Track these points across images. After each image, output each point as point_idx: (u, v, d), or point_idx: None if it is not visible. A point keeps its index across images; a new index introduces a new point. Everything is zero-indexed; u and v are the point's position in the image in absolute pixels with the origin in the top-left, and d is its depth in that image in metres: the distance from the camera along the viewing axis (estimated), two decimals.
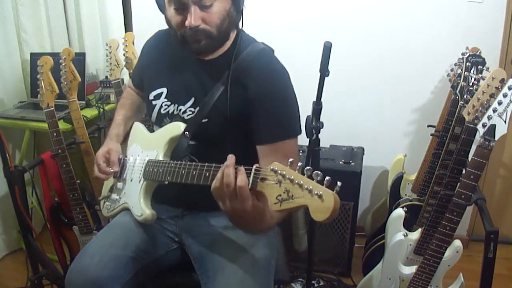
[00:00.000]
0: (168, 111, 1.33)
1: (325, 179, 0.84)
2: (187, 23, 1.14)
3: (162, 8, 1.24)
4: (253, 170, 0.95)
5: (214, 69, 1.26)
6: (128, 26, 2.28)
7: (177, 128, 1.26)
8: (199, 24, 1.15)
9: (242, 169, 0.97)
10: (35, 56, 2.24)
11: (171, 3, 1.16)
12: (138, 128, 1.43)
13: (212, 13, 1.15)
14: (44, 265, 1.83)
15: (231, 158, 0.99)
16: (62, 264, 1.95)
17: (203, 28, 1.16)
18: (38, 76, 1.75)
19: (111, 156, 1.36)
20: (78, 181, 1.83)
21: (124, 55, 2.18)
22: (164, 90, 1.33)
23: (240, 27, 1.29)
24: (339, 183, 0.84)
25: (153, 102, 1.35)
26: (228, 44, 1.27)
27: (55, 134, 1.75)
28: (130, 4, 2.24)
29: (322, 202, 0.82)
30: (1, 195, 2.28)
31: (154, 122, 1.37)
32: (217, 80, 1.25)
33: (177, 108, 1.31)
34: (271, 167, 0.91)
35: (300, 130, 1.29)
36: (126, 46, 2.15)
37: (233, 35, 1.28)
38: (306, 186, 0.85)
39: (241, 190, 0.95)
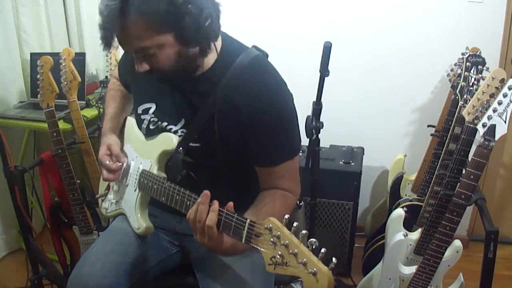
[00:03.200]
0: (158, 127, 1.25)
1: (321, 251, 0.82)
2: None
3: None
4: (247, 225, 0.92)
5: (202, 86, 1.15)
6: None
7: (170, 142, 1.19)
8: (146, 69, 1.07)
9: (215, 207, 0.98)
10: (35, 56, 2.23)
11: None
12: (131, 126, 1.36)
13: (156, 59, 1.05)
14: (44, 265, 1.82)
15: (205, 196, 0.99)
16: (62, 264, 1.95)
17: (154, 70, 1.07)
18: (38, 76, 1.75)
19: (112, 151, 1.29)
20: (78, 181, 1.82)
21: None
22: (152, 106, 1.25)
23: (217, 38, 1.13)
24: (334, 260, 0.81)
25: (142, 116, 1.28)
26: (215, 55, 1.14)
27: (55, 134, 1.75)
28: None
29: (316, 281, 0.80)
30: (1, 195, 2.28)
31: (144, 134, 1.30)
32: (207, 98, 1.13)
33: (167, 126, 1.22)
34: (265, 225, 0.88)
35: (299, 148, 1.22)
36: None
37: (218, 44, 1.14)
38: (300, 259, 0.82)
39: (208, 229, 0.97)
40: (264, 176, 1.20)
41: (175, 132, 1.21)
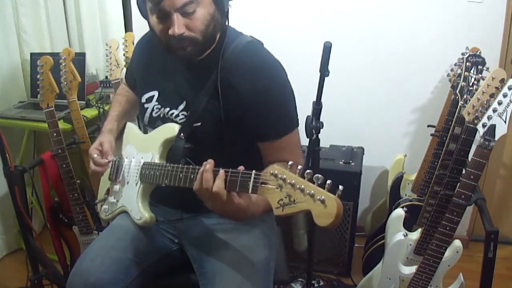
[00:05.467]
0: (160, 114, 1.30)
1: (327, 182, 0.84)
2: (170, 31, 1.10)
3: (145, 16, 1.19)
4: (252, 175, 0.95)
5: (202, 70, 1.23)
6: (128, 26, 2.28)
7: (171, 129, 1.24)
8: (183, 32, 1.11)
9: (220, 174, 1.00)
10: (35, 56, 2.24)
11: (153, 12, 1.12)
12: (131, 129, 1.41)
13: (195, 19, 1.11)
14: (44, 265, 1.82)
15: (209, 164, 1.02)
16: (62, 264, 1.95)
17: (188, 35, 1.12)
18: (38, 76, 1.75)
19: (103, 147, 1.34)
20: (78, 181, 1.82)
21: (124, 55, 2.18)
22: (155, 93, 1.31)
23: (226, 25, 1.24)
24: (340, 187, 0.83)
25: (145, 105, 1.33)
26: (216, 40, 1.23)
27: (55, 134, 1.75)
28: (130, 4, 2.24)
29: (325, 207, 0.82)
30: (1, 195, 2.28)
31: (146, 125, 1.35)
32: (206, 81, 1.21)
33: (169, 111, 1.28)
34: (271, 171, 0.91)
35: (298, 121, 1.27)
36: (126, 46, 2.15)
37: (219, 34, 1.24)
38: (307, 191, 0.84)
39: (217, 195, 0.99)
40: (269, 152, 1.24)
41: (176, 116, 1.26)
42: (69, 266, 1.96)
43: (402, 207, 1.88)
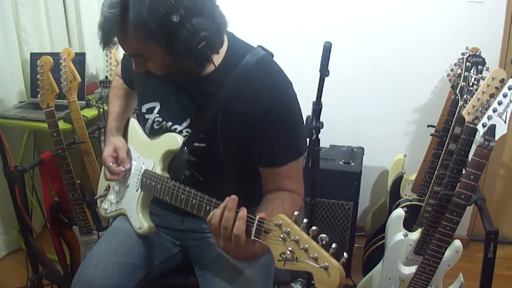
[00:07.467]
0: (162, 127, 1.24)
1: (331, 246, 0.81)
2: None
3: None
4: (256, 221, 0.92)
5: (209, 86, 1.14)
6: None
7: (174, 142, 1.18)
8: (144, 70, 1.10)
9: (243, 215, 0.94)
10: (35, 56, 2.23)
11: None
12: (134, 127, 1.37)
13: (152, 65, 1.09)
14: (44, 265, 1.82)
15: (233, 201, 0.96)
16: (62, 264, 1.95)
17: (152, 71, 1.10)
18: (38, 76, 1.75)
19: (119, 154, 1.30)
20: (78, 181, 1.82)
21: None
22: (157, 105, 1.25)
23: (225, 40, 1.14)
24: (345, 254, 0.82)
25: (146, 116, 1.27)
26: (221, 55, 1.14)
27: (55, 134, 1.75)
28: None
29: (328, 276, 0.80)
30: (1, 195, 2.28)
31: (147, 134, 1.30)
32: (213, 98, 1.13)
33: (172, 126, 1.22)
34: (275, 222, 0.88)
35: (305, 149, 1.22)
36: None
37: (224, 44, 1.13)
38: (311, 254, 0.82)
39: (236, 238, 0.94)
40: (269, 177, 1.19)
41: (180, 132, 1.21)
42: (69, 266, 1.96)
43: (402, 207, 1.88)
